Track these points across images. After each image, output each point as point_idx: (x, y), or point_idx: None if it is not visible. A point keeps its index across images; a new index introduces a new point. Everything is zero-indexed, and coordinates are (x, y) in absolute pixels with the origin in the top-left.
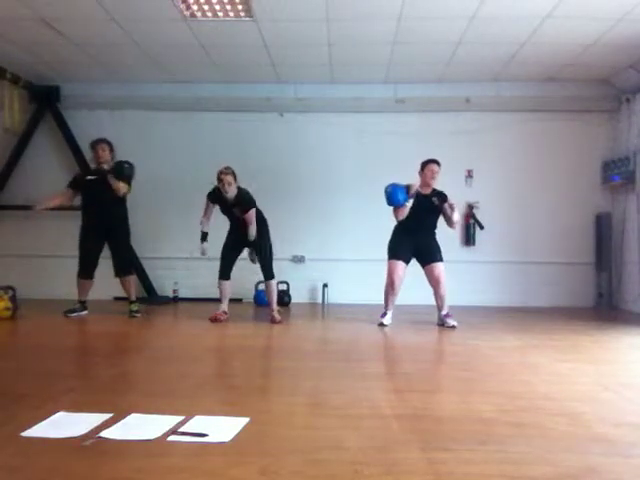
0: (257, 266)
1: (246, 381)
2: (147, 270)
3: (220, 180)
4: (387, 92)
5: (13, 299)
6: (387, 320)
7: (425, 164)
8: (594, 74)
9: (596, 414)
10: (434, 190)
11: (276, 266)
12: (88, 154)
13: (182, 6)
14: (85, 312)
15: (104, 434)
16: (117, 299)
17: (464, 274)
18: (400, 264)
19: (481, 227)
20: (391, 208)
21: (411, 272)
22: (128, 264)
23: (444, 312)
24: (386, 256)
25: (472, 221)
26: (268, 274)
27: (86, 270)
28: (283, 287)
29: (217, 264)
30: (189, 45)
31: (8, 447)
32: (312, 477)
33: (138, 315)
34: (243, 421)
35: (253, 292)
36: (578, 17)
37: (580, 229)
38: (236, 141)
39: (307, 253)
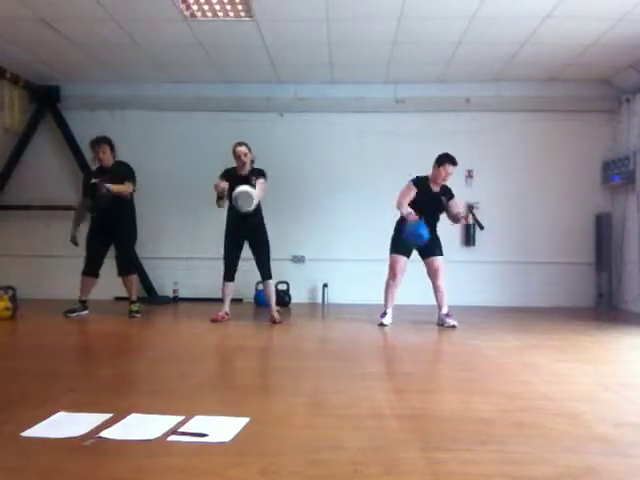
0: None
1: (246, 381)
2: (147, 270)
3: (236, 153)
4: (387, 92)
5: (13, 299)
6: (387, 320)
7: (442, 162)
8: (594, 74)
9: (596, 414)
10: (443, 186)
11: (276, 266)
12: (88, 154)
13: (182, 6)
14: (86, 312)
15: (104, 434)
16: (118, 299)
17: (464, 274)
18: (402, 258)
19: (481, 227)
20: (390, 207)
21: (411, 273)
22: (130, 264)
23: (444, 312)
24: (386, 255)
25: (472, 221)
26: (266, 274)
27: (91, 268)
28: (283, 287)
29: (217, 264)
30: (189, 45)
31: (8, 447)
32: (312, 477)
33: (138, 315)
34: (243, 421)
35: (253, 292)
36: (578, 17)
37: (580, 229)
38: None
39: (307, 253)
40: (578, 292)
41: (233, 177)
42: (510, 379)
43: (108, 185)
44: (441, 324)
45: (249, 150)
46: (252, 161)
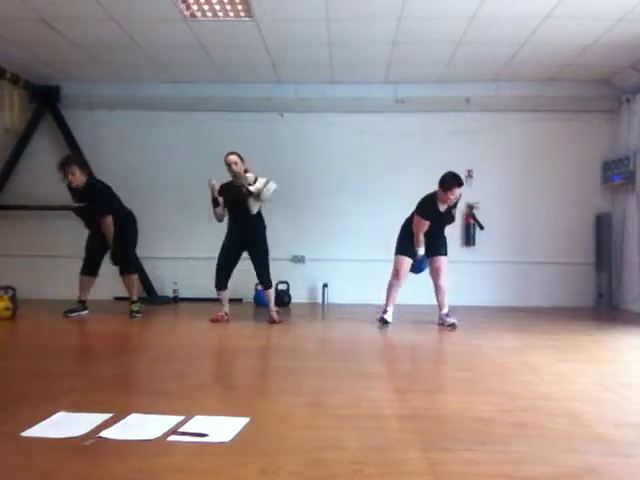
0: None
1: (246, 381)
2: (147, 270)
3: (225, 162)
4: (387, 92)
5: (13, 299)
6: (389, 316)
7: (450, 187)
8: (594, 74)
9: (596, 414)
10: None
11: (276, 266)
12: (88, 154)
13: (182, 6)
14: (85, 312)
15: (104, 434)
16: (118, 299)
17: (464, 274)
18: (406, 259)
19: (481, 227)
20: (390, 206)
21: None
22: (131, 262)
23: (445, 311)
24: (386, 255)
25: (472, 221)
26: (266, 283)
27: (91, 268)
28: (283, 287)
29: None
30: (189, 45)
31: (8, 447)
32: (312, 477)
33: (138, 315)
34: (243, 421)
35: (253, 292)
36: (578, 17)
37: (580, 229)
38: (236, 141)
39: (307, 253)
40: (578, 292)
41: (229, 188)
42: (510, 379)
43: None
44: (441, 324)
45: (241, 159)
46: (246, 170)
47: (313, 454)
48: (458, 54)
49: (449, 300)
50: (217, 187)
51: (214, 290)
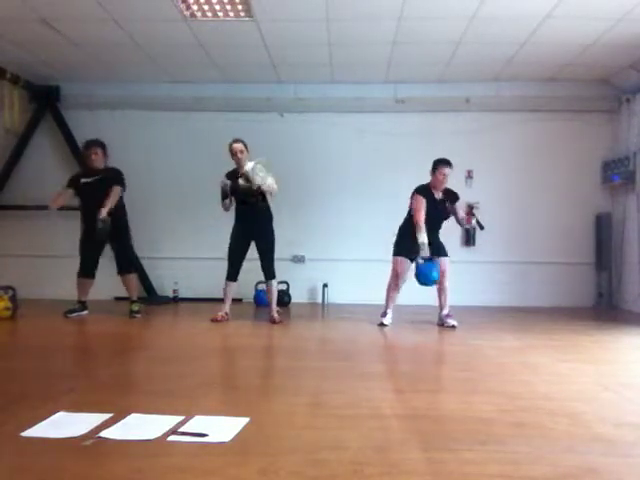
0: (257, 266)
1: (246, 381)
2: (147, 270)
3: (231, 150)
4: (387, 92)
5: (13, 299)
6: (387, 320)
7: (436, 166)
8: (594, 74)
9: (596, 414)
10: (446, 190)
11: (276, 266)
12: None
13: (182, 6)
14: (85, 312)
15: (104, 434)
16: (117, 299)
17: (464, 274)
18: (405, 261)
19: (481, 227)
20: (391, 206)
21: (411, 273)
22: (129, 262)
23: (445, 312)
24: (386, 255)
25: (472, 221)
26: (269, 274)
27: (87, 269)
28: (283, 287)
29: (217, 264)
30: (189, 45)
31: (8, 447)
32: (312, 477)
33: (139, 315)
34: (243, 421)
35: (253, 292)
36: (578, 17)
37: (580, 229)
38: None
39: (307, 253)
40: (578, 292)
41: (234, 177)
42: (510, 379)
43: (103, 217)
44: (441, 324)
45: (245, 147)
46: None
47: (313, 454)
48: (458, 54)
49: (449, 300)
50: (229, 187)
51: (215, 290)
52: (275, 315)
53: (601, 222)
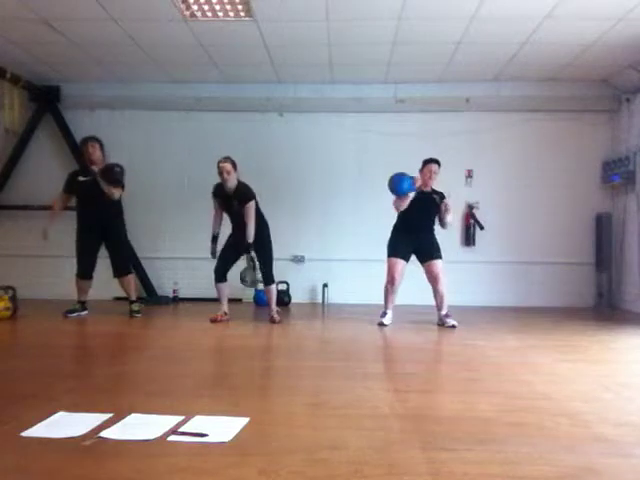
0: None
1: (246, 381)
2: (147, 270)
3: (219, 169)
4: (387, 92)
5: (13, 299)
6: (387, 320)
7: (425, 163)
8: (594, 74)
9: (596, 414)
10: (433, 189)
11: (276, 266)
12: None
13: (182, 6)
14: (85, 312)
15: (104, 434)
16: (117, 299)
17: (464, 274)
18: (400, 262)
19: (481, 227)
20: (390, 205)
21: (411, 273)
22: (126, 264)
23: (444, 312)
24: (386, 255)
25: (472, 221)
26: (268, 280)
27: (84, 270)
28: (283, 287)
29: None
30: (189, 45)
31: (8, 447)
32: (312, 477)
33: (139, 315)
34: (243, 421)
35: (253, 292)
36: (578, 17)
37: (580, 229)
38: (236, 141)
39: (307, 253)
40: (578, 292)
41: (220, 194)
42: (510, 379)
43: (120, 165)
44: (441, 324)
45: (234, 167)
46: (238, 180)
47: (313, 454)
48: (458, 54)
49: (448, 300)
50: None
51: (214, 289)
52: (275, 315)
53: (601, 222)
